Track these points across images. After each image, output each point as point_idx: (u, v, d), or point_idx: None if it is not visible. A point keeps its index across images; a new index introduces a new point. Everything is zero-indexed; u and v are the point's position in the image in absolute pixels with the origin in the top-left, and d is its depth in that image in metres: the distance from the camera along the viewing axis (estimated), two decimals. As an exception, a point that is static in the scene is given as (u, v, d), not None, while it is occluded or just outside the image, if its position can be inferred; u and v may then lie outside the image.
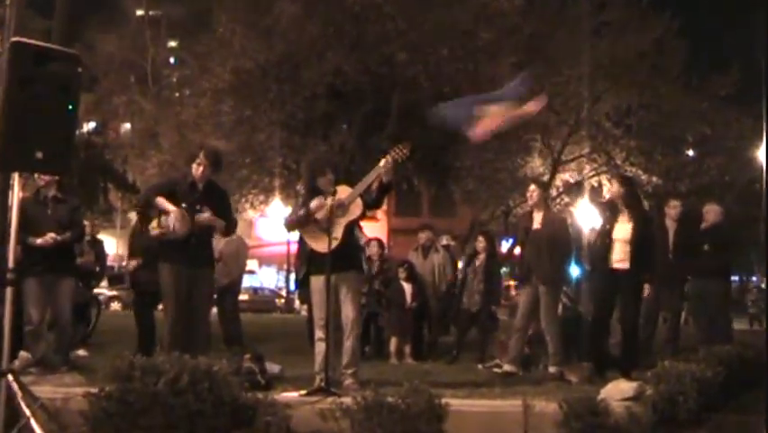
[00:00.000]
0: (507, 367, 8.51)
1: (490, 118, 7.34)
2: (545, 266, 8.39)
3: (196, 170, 7.27)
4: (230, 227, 7.60)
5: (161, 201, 7.19)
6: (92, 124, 28.55)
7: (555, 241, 8.44)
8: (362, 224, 9.65)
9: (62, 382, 6.73)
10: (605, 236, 8.12)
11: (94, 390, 5.32)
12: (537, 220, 8.58)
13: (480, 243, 10.71)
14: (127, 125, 26.16)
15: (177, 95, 22.29)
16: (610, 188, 8.29)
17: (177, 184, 7.44)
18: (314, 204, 7.06)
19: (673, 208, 9.83)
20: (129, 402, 5.15)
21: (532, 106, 7.68)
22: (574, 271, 10.42)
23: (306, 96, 14.58)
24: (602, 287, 8.30)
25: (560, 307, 9.33)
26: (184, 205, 7.16)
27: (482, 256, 10.52)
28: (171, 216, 7.06)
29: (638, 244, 7.89)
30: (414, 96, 14.53)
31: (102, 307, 11.86)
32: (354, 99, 14.91)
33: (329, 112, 14.92)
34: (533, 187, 8.78)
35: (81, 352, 9.57)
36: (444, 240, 12.04)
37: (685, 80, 19.27)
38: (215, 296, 11.11)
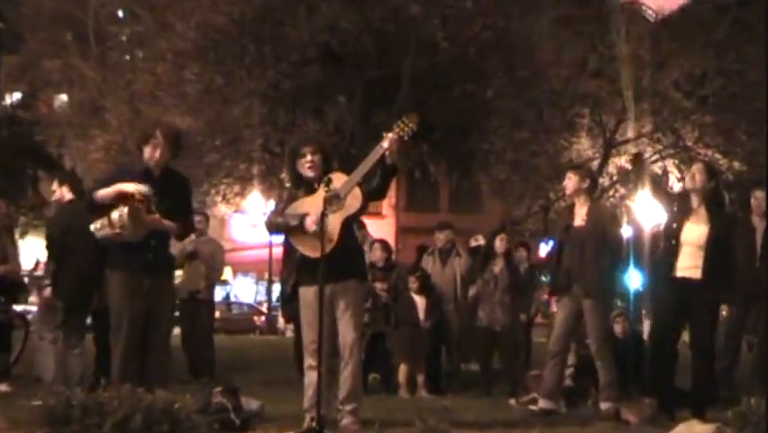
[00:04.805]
0: (542, 403, 8.48)
1: None
2: (589, 273, 8.29)
3: (151, 153, 7.23)
4: (186, 230, 7.57)
5: (103, 194, 7.12)
6: (17, 96, 28.58)
7: (603, 241, 8.37)
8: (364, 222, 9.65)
9: (-22, 425, 6.73)
10: (671, 237, 8.05)
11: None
12: (580, 215, 8.51)
13: (503, 242, 10.68)
14: (63, 97, 26.23)
15: (127, 58, 22.35)
16: (691, 177, 8.17)
17: (126, 173, 7.40)
18: (309, 221, 6.99)
19: (761, 203, 9.77)
20: (66, 450, 5.15)
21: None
22: (635, 280, 10.38)
23: (293, 61, 14.58)
24: (666, 301, 8.25)
25: (619, 327, 9.30)
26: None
27: (500, 261, 10.52)
28: (121, 212, 6.99)
29: (715, 251, 7.79)
30: (429, 61, 14.54)
31: (30, 329, 11.75)
32: (354, 64, 14.92)
33: (322, 80, 14.92)
34: (569, 174, 8.73)
35: (2, 387, 9.58)
36: (473, 242, 11.94)
37: (776, 39, 19.21)
38: (183, 310, 11.20)
